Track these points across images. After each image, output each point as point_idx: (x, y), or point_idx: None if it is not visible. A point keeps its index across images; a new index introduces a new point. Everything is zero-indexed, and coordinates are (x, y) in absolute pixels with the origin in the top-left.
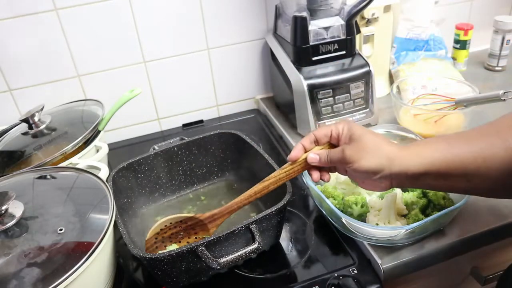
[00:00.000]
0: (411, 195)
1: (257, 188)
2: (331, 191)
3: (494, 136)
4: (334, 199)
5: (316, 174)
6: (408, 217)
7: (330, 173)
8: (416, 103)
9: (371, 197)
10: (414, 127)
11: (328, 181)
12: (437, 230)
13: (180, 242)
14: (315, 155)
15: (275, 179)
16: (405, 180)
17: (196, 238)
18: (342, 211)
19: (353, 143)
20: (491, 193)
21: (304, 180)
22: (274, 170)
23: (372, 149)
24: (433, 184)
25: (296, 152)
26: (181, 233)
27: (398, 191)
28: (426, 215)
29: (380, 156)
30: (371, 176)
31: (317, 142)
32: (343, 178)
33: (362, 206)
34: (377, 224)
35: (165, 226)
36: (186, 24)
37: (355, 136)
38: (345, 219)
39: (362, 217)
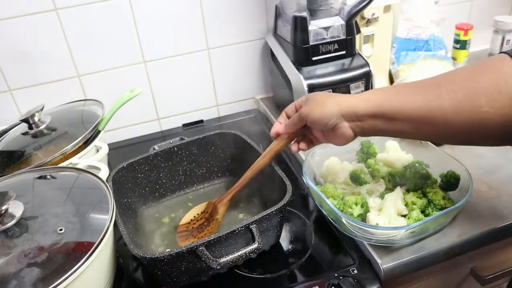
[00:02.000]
0: (411, 195)
1: (254, 167)
2: (331, 191)
3: (442, 87)
4: (334, 199)
5: (295, 146)
6: (408, 217)
7: (310, 143)
8: None
9: (372, 197)
10: None
11: (305, 149)
12: (437, 230)
13: (205, 233)
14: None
15: (264, 158)
16: (357, 121)
17: (213, 222)
18: (342, 211)
19: (307, 102)
20: (440, 139)
21: (304, 180)
22: (274, 170)
23: (321, 100)
24: (383, 128)
25: (275, 128)
26: (205, 223)
27: (398, 191)
28: (426, 215)
29: (331, 103)
30: (327, 123)
31: (289, 117)
32: (343, 178)
33: (362, 206)
34: (377, 224)
35: (194, 217)
36: (186, 24)
37: (309, 97)
38: (345, 219)
39: (362, 217)
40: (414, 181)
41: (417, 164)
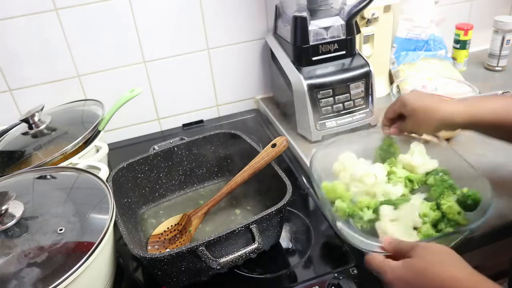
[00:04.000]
0: (425, 206)
1: (232, 183)
2: (339, 191)
3: None
4: (342, 200)
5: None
6: (418, 231)
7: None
8: None
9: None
10: None
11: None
12: None
13: (177, 245)
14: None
15: (243, 175)
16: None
17: (186, 234)
18: (351, 214)
19: (413, 115)
20: None
21: (304, 180)
22: (273, 169)
23: (428, 114)
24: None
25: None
26: (177, 235)
27: (416, 201)
28: (438, 231)
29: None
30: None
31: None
32: (359, 175)
33: (374, 212)
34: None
35: (167, 228)
36: (186, 24)
37: (414, 108)
38: (339, 226)
39: (372, 223)
40: (440, 190)
41: (441, 173)
